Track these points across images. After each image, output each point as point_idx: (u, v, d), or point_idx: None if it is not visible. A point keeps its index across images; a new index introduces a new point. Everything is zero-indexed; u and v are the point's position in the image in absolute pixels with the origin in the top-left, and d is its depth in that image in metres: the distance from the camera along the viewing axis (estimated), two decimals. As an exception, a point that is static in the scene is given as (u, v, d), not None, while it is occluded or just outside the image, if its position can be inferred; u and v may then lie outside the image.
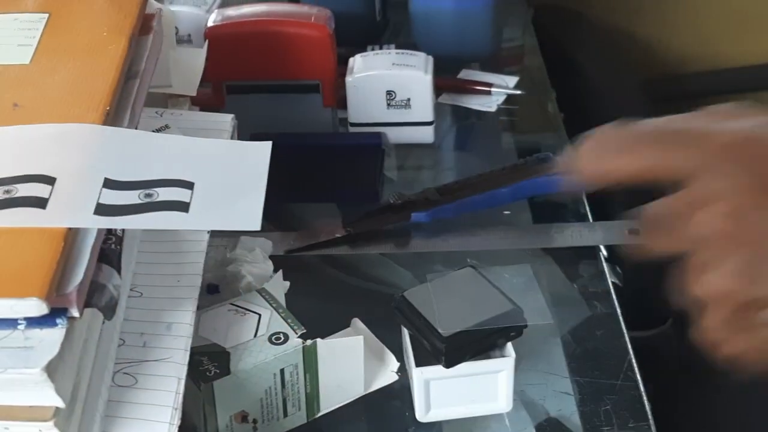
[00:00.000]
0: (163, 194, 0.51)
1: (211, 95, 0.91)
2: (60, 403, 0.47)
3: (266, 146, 0.57)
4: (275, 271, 0.69)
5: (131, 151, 0.55)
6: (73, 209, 0.50)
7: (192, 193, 0.52)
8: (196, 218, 0.51)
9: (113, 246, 0.53)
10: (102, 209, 0.50)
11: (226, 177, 0.55)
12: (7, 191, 0.50)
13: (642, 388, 0.68)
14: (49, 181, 0.51)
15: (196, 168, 0.54)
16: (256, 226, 0.52)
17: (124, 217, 0.50)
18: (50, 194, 0.50)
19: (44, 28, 0.62)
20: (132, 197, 0.51)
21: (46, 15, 0.64)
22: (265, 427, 0.63)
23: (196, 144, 0.57)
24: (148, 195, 0.51)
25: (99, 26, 0.63)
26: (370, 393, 0.65)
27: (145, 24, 0.66)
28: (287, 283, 0.69)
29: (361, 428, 0.66)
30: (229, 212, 0.53)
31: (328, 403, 0.64)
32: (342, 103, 0.93)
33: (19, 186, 0.51)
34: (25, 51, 0.61)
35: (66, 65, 0.60)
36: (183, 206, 0.51)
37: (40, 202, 0.50)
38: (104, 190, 0.51)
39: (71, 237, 0.49)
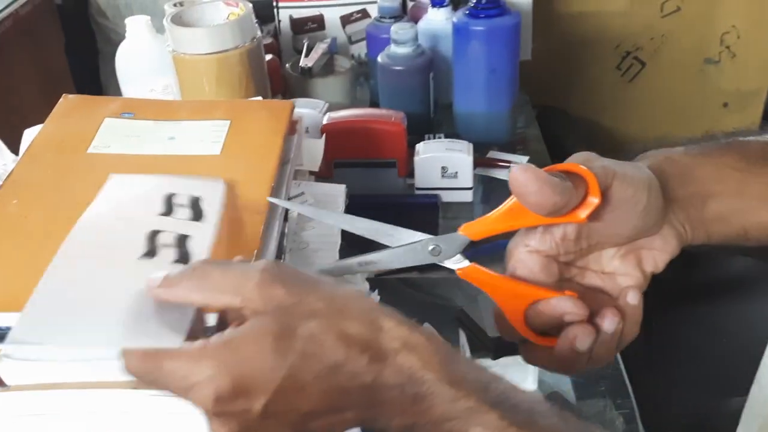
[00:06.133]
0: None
1: (324, 169, 0.93)
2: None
3: None
4: (371, 289, 0.71)
5: None
6: None
7: None
8: None
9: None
10: None
11: None
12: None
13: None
14: None
15: None
16: None
17: None
18: None
19: (228, 131, 0.64)
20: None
21: (229, 121, 0.66)
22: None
23: None
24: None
25: (264, 129, 0.65)
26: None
27: (291, 127, 0.68)
28: (378, 297, 0.70)
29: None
30: None
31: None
32: (411, 174, 0.95)
33: None
34: (217, 145, 0.63)
35: (244, 155, 0.62)
36: None
37: None
38: None
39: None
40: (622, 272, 0.51)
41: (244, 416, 0.40)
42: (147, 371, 0.41)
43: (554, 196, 0.45)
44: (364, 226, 0.49)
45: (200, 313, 0.45)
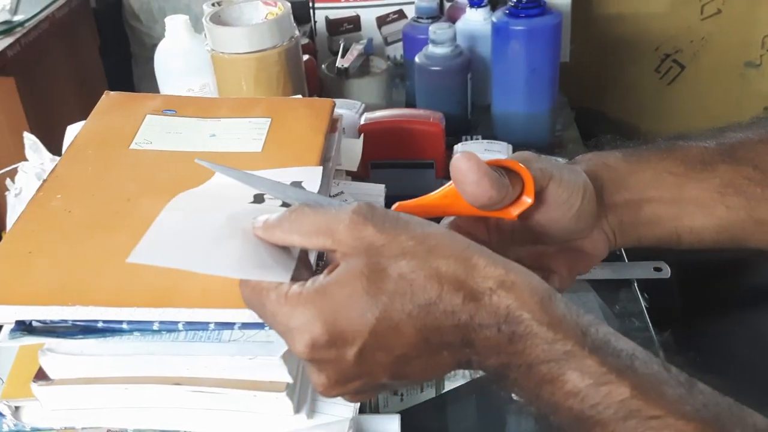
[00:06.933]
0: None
1: (361, 169, 0.93)
2: (289, 380, 0.49)
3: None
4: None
5: None
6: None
7: None
8: None
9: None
10: None
11: None
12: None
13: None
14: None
15: None
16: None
17: None
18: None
19: (269, 128, 0.64)
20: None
21: (270, 119, 0.65)
22: (408, 398, 0.64)
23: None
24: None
25: (304, 127, 0.64)
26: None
27: (332, 125, 0.67)
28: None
29: (471, 400, 0.66)
30: None
31: (450, 384, 0.65)
32: (448, 175, 0.93)
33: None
34: (258, 143, 0.62)
35: (285, 153, 0.61)
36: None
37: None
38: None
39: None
40: (549, 270, 0.52)
41: (339, 363, 0.40)
42: (255, 306, 0.43)
43: (491, 190, 0.45)
44: (296, 196, 0.49)
45: (305, 252, 0.47)
